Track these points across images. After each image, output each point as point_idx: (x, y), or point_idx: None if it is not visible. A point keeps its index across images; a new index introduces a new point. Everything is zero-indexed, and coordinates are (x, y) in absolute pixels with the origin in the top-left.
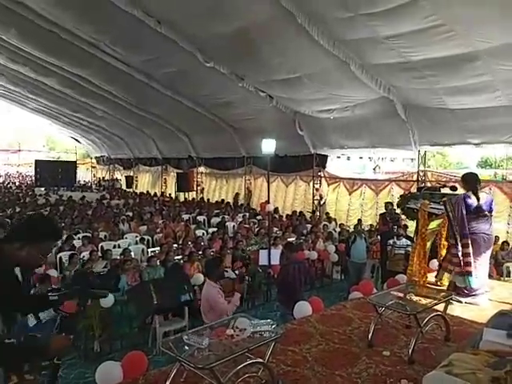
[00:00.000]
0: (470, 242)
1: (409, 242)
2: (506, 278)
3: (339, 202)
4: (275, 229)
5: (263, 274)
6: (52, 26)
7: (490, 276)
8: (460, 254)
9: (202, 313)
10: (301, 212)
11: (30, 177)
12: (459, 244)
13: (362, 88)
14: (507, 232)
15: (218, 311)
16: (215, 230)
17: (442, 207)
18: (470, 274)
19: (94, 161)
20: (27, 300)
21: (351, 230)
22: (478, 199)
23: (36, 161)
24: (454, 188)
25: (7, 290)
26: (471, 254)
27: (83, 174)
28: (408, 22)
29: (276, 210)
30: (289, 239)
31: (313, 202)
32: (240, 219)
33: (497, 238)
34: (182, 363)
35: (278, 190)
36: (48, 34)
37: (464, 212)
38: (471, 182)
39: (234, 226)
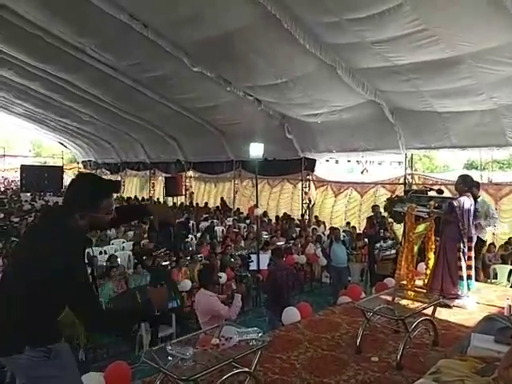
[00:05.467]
0: (472, 245)
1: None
2: (493, 280)
3: (323, 205)
4: (264, 233)
5: (252, 278)
6: (37, 29)
7: (477, 279)
8: (466, 257)
9: (201, 324)
10: (289, 215)
11: (16, 182)
12: (466, 247)
13: (349, 92)
14: (493, 234)
15: (220, 319)
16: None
17: (428, 210)
18: (470, 277)
19: (80, 165)
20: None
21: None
22: (476, 202)
23: (22, 166)
24: (440, 191)
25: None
26: (472, 258)
27: (70, 179)
28: (392, 28)
29: (265, 213)
30: (278, 243)
31: (301, 206)
32: (229, 223)
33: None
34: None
35: (267, 193)
36: (33, 37)
37: (472, 216)
38: (471, 184)
39: (222, 230)
